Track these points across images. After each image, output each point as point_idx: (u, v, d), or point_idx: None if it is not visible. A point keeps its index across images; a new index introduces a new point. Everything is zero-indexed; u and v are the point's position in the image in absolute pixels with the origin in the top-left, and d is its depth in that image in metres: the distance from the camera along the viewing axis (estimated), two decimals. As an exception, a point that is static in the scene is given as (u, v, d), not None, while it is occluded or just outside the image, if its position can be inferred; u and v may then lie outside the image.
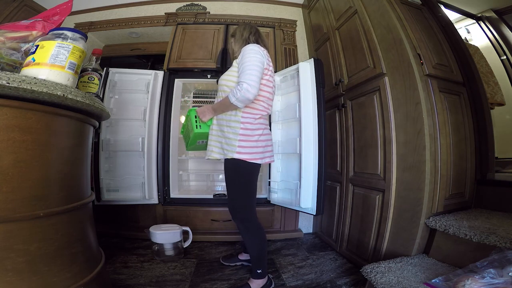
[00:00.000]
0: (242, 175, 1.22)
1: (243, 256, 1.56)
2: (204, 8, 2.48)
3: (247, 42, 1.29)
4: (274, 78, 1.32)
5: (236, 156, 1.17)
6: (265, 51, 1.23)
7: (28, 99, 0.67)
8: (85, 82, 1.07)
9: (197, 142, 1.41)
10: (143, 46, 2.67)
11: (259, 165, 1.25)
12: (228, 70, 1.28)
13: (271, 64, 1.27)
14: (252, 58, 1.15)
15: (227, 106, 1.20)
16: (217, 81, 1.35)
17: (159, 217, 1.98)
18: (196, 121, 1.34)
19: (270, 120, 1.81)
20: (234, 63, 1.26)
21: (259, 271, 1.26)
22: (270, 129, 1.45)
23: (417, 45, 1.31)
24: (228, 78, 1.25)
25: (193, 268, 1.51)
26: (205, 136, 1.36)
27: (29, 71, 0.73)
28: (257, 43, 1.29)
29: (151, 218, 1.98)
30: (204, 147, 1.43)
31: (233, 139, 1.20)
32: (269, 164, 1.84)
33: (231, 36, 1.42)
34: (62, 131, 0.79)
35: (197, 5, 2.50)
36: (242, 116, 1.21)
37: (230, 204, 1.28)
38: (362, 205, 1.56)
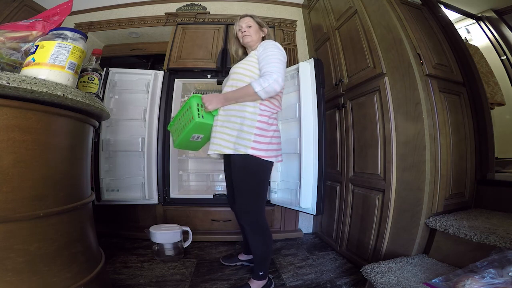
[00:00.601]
0: (255, 174, 1.11)
1: (243, 257, 1.56)
2: (204, 8, 2.48)
3: (264, 36, 1.31)
4: None
5: (250, 152, 1.07)
6: None
7: (28, 99, 0.67)
8: (85, 82, 1.08)
9: (191, 136, 1.21)
10: (143, 46, 2.67)
11: (272, 163, 1.18)
12: (245, 59, 1.22)
13: None
14: (278, 53, 1.13)
15: (247, 95, 1.10)
16: (218, 81, 1.34)
17: (159, 217, 1.98)
18: (198, 109, 1.14)
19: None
20: (253, 54, 1.21)
21: (261, 273, 1.24)
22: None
23: (417, 45, 1.31)
24: (246, 67, 1.18)
25: (193, 268, 1.51)
26: (206, 129, 1.19)
27: (29, 71, 0.74)
28: None
29: (151, 218, 1.98)
30: (196, 145, 1.30)
31: (247, 132, 1.09)
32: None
33: (251, 17, 1.35)
34: (62, 131, 0.79)
35: (197, 5, 2.50)
36: (260, 109, 1.12)
37: (238, 206, 1.18)
38: (362, 205, 1.56)
